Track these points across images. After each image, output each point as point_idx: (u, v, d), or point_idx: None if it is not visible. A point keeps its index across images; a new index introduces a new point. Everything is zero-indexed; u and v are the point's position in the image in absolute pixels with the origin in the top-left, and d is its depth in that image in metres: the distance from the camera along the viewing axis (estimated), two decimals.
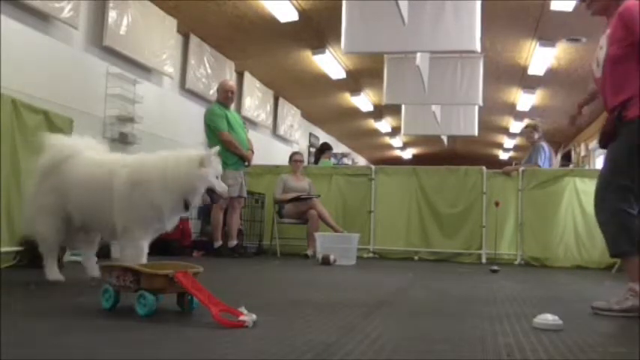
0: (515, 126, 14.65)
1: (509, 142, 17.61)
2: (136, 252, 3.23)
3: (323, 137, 15.29)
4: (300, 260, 6.63)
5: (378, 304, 3.28)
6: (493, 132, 16.14)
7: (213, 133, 6.60)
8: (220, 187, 3.32)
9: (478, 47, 5.76)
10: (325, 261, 5.86)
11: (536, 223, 7.02)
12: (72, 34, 6.20)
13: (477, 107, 9.36)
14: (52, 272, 3.49)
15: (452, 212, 7.30)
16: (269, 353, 1.96)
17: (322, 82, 10.98)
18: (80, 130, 5.60)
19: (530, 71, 9.92)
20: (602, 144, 3.23)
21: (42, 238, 3.41)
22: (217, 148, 3.45)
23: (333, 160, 10.90)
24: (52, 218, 3.39)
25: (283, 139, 12.69)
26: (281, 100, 12.39)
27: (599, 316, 3.02)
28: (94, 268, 3.57)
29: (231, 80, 8.89)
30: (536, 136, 7.50)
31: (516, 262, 6.94)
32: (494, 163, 14.41)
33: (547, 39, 8.49)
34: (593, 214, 7.42)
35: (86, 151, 3.50)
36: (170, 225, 3.38)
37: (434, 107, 9.16)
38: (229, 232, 6.66)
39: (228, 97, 6.89)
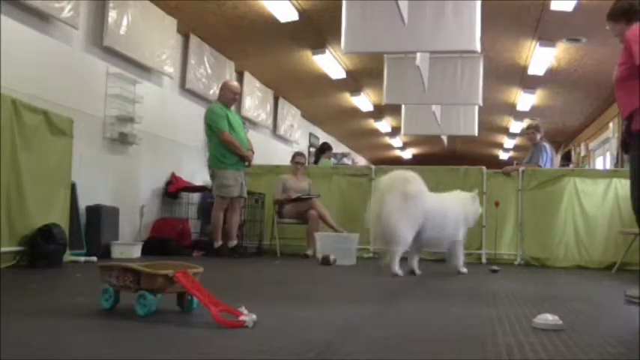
0: (515, 126, 14.62)
1: (509, 142, 17.59)
2: (463, 250, 5.46)
3: (323, 137, 15.26)
4: (300, 260, 6.63)
5: (378, 304, 3.28)
6: (493, 132, 16.12)
7: (214, 132, 6.59)
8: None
9: (478, 47, 5.74)
10: (325, 261, 5.86)
11: (536, 223, 7.00)
12: (72, 34, 6.19)
13: (476, 107, 9.34)
14: (397, 266, 4.80)
15: None
16: (269, 353, 1.96)
17: (322, 82, 10.97)
18: (80, 130, 5.64)
19: (530, 71, 9.90)
20: (624, 150, 3.72)
21: (405, 242, 4.85)
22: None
23: (333, 160, 10.90)
24: (413, 231, 4.87)
25: (283, 139, 12.68)
26: (281, 100, 12.37)
27: (599, 318, 3.01)
28: (416, 266, 5.16)
29: (232, 80, 8.89)
30: (539, 136, 7.50)
31: (516, 262, 6.93)
32: (494, 163, 14.39)
33: (547, 39, 8.48)
34: (593, 214, 7.42)
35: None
36: None
37: (434, 107, 9.14)
38: (229, 232, 6.66)
39: (233, 98, 6.90)
